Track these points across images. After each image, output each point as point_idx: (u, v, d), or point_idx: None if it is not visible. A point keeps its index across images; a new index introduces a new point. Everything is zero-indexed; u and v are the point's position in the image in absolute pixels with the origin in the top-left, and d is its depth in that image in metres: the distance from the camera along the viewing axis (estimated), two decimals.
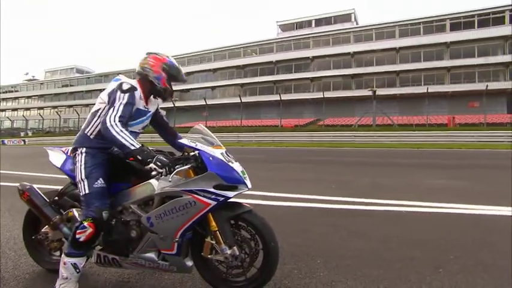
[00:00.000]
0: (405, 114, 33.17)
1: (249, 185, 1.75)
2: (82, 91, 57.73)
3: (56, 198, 2.08)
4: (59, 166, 2.06)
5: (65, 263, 1.76)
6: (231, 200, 1.72)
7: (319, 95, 32.64)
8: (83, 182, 1.79)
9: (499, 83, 31.39)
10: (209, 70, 45.36)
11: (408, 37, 35.50)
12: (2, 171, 7.54)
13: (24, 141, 35.18)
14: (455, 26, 33.83)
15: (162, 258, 1.78)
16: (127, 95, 1.79)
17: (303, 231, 3.00)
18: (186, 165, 1.70)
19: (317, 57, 39.76)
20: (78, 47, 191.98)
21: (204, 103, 32.32)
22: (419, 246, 2.58)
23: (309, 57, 40.06)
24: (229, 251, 1.71)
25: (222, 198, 1.66)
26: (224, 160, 1.71)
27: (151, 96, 2.00)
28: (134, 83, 1.89)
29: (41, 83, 63.52)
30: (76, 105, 53.77)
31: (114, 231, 1.83)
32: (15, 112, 63.34)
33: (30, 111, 60.55)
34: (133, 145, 1.66)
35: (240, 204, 1.81)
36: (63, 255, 1.79)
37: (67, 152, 2.08)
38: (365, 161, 10.14)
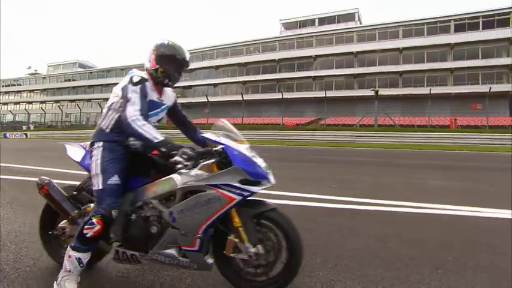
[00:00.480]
0: (407, 115, 33.10)
1: (273, 181, 1.72)
2: (84, 86, 57.80)
3: (75, 193, 2.07)
4: (78, 160, 2.05)
5: (70, 256, 1.75)
6: (253, 197, 1.70)
7: (321, 94, 32.58)
8: (98, 176, 1.78)
9: (502, 85, 31.27)
10: (211, 67, 45.32)
11: (412, 37, 35.33)
12: (3, 165, 7.56)
13: (26, 134, 35.28)
14: (460, 27, 33.66)
15: (183, 255, 1.74)
16: (138, 87, 1.78)
17: (303, 230, 2.98)
18: (210, 159, 1.68)
19: (320, 56, 39.67)
20: (82, 42, 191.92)
21: (206, 100, 32.33)
22: (418, 247, 2.59)
23: (311, 56, 39.96)
24: (253, 249, 1.67)
25: (247, 193, 1.64)
26: (249, 155, 1.69)
27: (164, 88, 2.00)
28: (144, 74, 1.89)
29: (44, 77, 63.60)
30: (78, 99, 53.86)
31: (134, 227, 1.81)
32: (18, 105, 63.46)
33: (32, 105, 60.63)
34: (156, 138, 1.65)
35: (263, 201, 1.77)
36: (68, 247, 1.78)
37: (85, 147, 2.07)
38: (366, 161, 10.13)
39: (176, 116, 2.17)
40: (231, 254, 1.71)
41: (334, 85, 38.48)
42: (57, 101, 57.03)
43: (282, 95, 30.25)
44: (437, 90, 31.29)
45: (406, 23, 35.85)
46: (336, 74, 38.59)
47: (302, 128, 28.11)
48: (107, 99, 1.96)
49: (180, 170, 1.65)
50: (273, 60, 41.70)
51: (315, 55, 39.79)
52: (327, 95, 30.32)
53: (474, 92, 30.93)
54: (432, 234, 2.90)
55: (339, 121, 34.15)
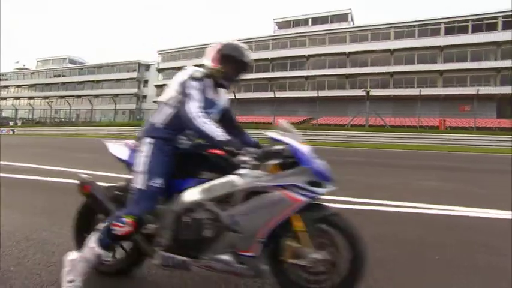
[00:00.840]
0: (398, 115, 33.52)
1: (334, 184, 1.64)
2: (74, 82, 56.90)
3: (119, 193, 1.96)
4: (124, 158, 1.93)
5: (93, 248, 1.69)
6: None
7: (314, 93, 32.76)
8: (141, 175, 1.70)
9: (489, 87, 31.95)
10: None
11: (403, 39, 35.77)
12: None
13: (13, 130, 34.55)
14: (450, 30, 34.22)
15: (239, 261, 1.61)
16: (200, 83, 1.73)
17: None
18: (274, 159, 1.61)
19: (312, 56, 39.85)
20: (72, 37, 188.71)
21: None
22: (406, 246, 2.62)
23: (304, 56, 40.10)
24: (315, 255, 1.57)
25: (314, 195, 1.56)
26: (313, 156, 1.63)
27: (219, 88, 1.93)
28: (204, 72, 1.83)
29: (32, 72, 62.37)
30: (68, 96, 53.00)
31: (185, 231, 1.68)
32: (5, 101, 62.11)
33: (20, 101, 59.46)
34: (221, 136, 1.60)
35: (324, 205, 1.68)
36: (93, 237, 1.71)
37: (130, 145, 1.98)
38: (357, 161, 10.22)
39: (226, 117, 2.07)
40: (289, 260, 1.62)
41: (327, 85, 38.70)
42: (46, 97, 56.00)
43: (275, 94, 30.29)
44: (427, 91, 31.74)
45: (398, 25, 36.26)
46: (328, 74, 38.82)
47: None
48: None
49: (240, 171, 1.59)
50: (266, 59, 41.69)
51: (308, 55, 39.94)
52: (319, 95, 30.48)
53: (463, 94, 31.53)
54: (419, 233, 2.94)
55: (331, 121, 34.38)
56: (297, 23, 42.96)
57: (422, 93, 28.31)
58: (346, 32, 38.68)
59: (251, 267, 1.60)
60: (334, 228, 1.62)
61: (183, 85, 1.74)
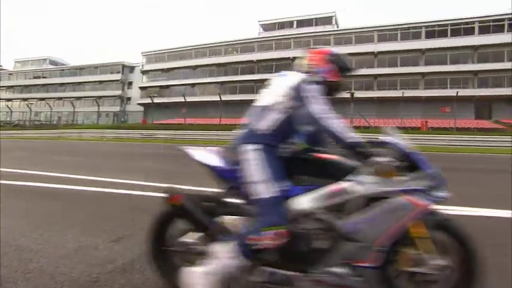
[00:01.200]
0: (381, 116, 34.18)
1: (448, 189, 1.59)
2: (56, 83, 55.38)
3: (211, 204, 1.83)
4: (214, 165, 1.79)
5: (227, 259, 1.57)
6: None
7: None
8: (262, 184, 1.59)
9: (468, 90, 33.06)
10: (189, 67, 44.79)
11: (386, 42, 36.62)
12: None
13: None
14: (430, 34, 35.28)
15: (356, 273, 1.53)
16: (318, 87, 1.67)
17: None
18: (396, 163, 1.53)
19: (297, 58, 40.12)
20: (53, 38, 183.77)
21: (183, 100, 31.91)
22: None
23: (289, 58, 40.40)
24: (438, 262, 1.51)
25: (436, 200, 1.51)
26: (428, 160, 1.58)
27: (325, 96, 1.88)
28: (316, 78, 1.76)
29: (10, 74, 60.28)
30: (49, 98, 51.53)
31: (294, 243, 1.58)
32: None
33: None
34: (353, 136, 1.54)
35: (437, 210, 1.61)
36: (231, 249, 1.58)
37: (216, 152, 1.85)
38: None
39: None
40: (405, 268, 1.55)
41: None
42: (25, 99, 54.27)
43: None
44: (409, 93, 32.54)
45: (381, 28, 37.10)
46: None
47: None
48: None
49: (355, 177, 1.54)
50: (251, 61, 41.82)
51: (293, 57, 40.24)
52: None
53: (443, 95, 32.51)
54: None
55: None
56: (282, 25, 43.30)
57: (404, 94, 29.02)
58: (331, 34, 39.28)
59: (369, 279, 1.52)
60: (449, 233, 1.57)
61: (298, 89, 1.67)
